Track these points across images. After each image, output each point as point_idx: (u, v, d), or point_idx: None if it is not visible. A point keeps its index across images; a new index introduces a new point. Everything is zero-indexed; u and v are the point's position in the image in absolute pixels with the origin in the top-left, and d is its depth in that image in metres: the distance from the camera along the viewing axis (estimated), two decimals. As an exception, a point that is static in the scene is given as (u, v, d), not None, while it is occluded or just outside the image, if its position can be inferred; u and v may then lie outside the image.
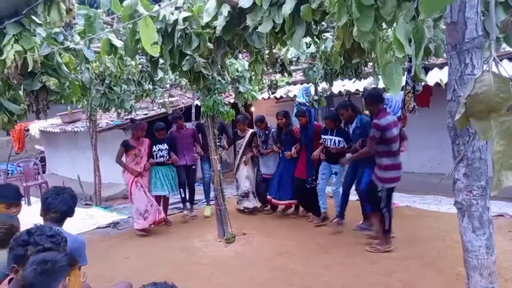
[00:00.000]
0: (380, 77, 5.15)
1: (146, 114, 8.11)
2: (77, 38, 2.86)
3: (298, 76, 7.54)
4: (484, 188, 1.57)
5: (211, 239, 4.85)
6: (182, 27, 2.74)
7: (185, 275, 3.83)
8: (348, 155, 4.83)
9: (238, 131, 6.03)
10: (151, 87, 5.76)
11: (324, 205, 5.13)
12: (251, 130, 5.97)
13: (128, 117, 6.66)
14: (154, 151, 5.51)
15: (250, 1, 2.41)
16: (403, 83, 4.27)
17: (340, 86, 6.92)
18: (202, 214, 6.10)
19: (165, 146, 5.57)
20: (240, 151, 5.95)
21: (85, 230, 5.76)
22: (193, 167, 6.00)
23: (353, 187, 4.69)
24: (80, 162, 9.08)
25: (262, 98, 7.82)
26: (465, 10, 1.48)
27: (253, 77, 5.62)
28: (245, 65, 5.32)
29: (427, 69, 5.73)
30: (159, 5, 2.78)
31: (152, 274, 3.93)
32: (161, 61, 3.56)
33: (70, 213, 2.39)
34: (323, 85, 6.52)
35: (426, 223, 4.78)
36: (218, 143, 4.82)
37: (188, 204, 6.08)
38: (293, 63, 5.28)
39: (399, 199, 5.68)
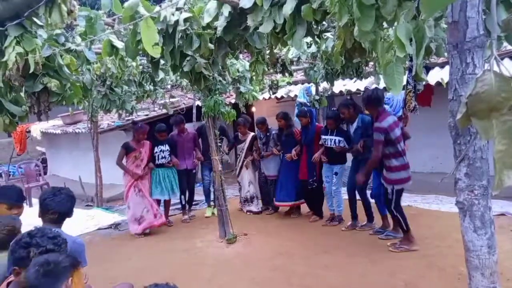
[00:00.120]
0: (381, 76, 5.13)
1: (147, 115, 8.12)
2: (78, 39, 2.86)
3: (299, 76, 7.54)
4: (486, 187, 1.56)
5: (212, 239, 4.85)
6: (183, 28, 2.74)
7: (186, 276, 3.83)
8: (350, 156, 4.83)
9: (239, 134, 6.04)
10: (152, 88, 5.77)
11: (339, 207, 5.09)
12: (251, 134, 5.99)
13: (129, 118, 6.67)
14: (156, 152, 5.51)
15: (251, 2, 2.41)
16: (404, 83, 4.27)
17: (341, 85, 6.92)
18: (201, 214, 6.12)
19: (167, 147, 5.57)
20: (242, 155, 5.97)
21: (87, 231, 5.78)
22: (194, 171, 6.04)
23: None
24: (81, 163, 9.09)
25: (263, 98, 7.82)
26: (466, 9, 1.48)
27: (254, 77, 5.62)
28: (246, 66, 5.32)
29: (428, 68, 5.71)
30: (160, 6, 2.78)
31: (154, 275, 3.94)
32: (162, 62, 3.56)
33: (68, 213, 2.36)
34: (324, 84, 6.52)
35: (428, 223, 4.77)
36: (219, 144, 4.83)
37: (187, 206, 6.10)
38: (294, 63, 5.28)
39: (400, 199, 5.67)
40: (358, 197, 4.80)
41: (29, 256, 1.62)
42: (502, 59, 1.00)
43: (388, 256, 3.91)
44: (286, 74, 5.38)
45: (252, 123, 6.55)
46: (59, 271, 1.47)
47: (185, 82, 6.05)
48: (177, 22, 2.72)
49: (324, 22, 2.71)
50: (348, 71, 5.26)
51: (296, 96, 7.35)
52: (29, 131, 10.65)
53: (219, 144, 4.83)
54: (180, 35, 2.78)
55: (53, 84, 2.58)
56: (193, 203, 6.33)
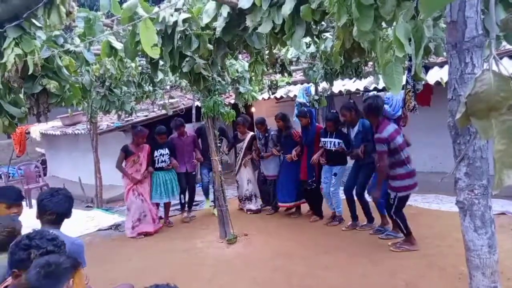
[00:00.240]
0: (380, 76, 5.14)
1: (146, 116, 8.11)
2: (77, 40, 2.86)
3: (298, 76, 7.54)
4: (486, 187, 1.56)
5: (212, 240, 4.85)
6: (182, 28, 2.74)
7: (187, 276, 3.83)
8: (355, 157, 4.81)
9: (238, 133, 6.06)
10: (151, 88, 5.77)
11: (338, 208, 5.10)
12: (251, 133, 6.01)
13: (129, 119, 6.68)
14: (156, 156, 5.51)
15: (250, 2, 2.40)
16: (404, 82, 4.26)
17: (340, 85, 6.92)
18: (201, 215, 6.12)
19: (166, 150, 5.58)
20: (241, 154, 6.00)
21: (87, 232, 5.77)
22: (193, 173, 6.07)
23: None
24: (81, 164, 9.09)
25: (263, 98, 7.82)
26: (465, 9, 1.48)
27: (253, 77, 5.62)
28: (245, 66, 5.32)
29: (427, 68, 5.72)
30: (159, 7, 2.78)
31: (154, 275, 3.93)
32: (161, 62, 3.55)
33: (66, 214, 2.35)
34: (323, 85, 6.52)
35: (428, 222, 4.78)
36: (218, 144, 4.83)
37: (186, 207, 6.13)
38: (293, 63, 5.27)
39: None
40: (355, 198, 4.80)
41: (29, 258, 1.62)
42: (501, 58, 1.00)
43: (388, 256, 3.91)
44: (286, 74, 5.37)
45: (251, 122, 6.57)
46: (60, 272, 1.47)
47: (184, 82, 6.05)
48: (176, 23, 2.72)
49: (323, 22, 2.71)
50: (347, 71, 5.26)
51: (295, 96, 7.35)
52: (29, 133, 10.64)
53: (218, 144, 4.83)
54: (179, 36, 2.77)
55: (52, 85, 2.58)
56: (193, 203, 6.34)
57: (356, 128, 4.69)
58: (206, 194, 6.33)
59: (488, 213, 1.58)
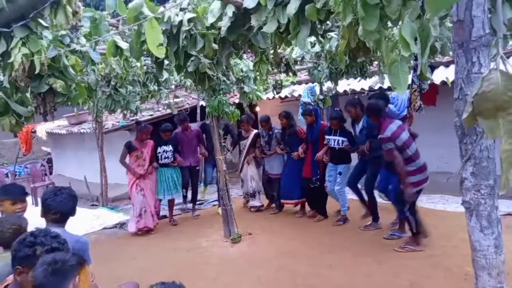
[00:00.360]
0: (385, 76, 5.12)
1: (151, 115, 8.15)
2: (83, 40, 2.88)
3: (303, 75, 7.53)
4: (492, 187, 1.55)
5: (217, 239, 4.86)
6: (187, 28, 2.74)
7: (191, 275, 3.84)
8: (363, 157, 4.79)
9: (242, 131, 6.08)
10: (156, 88, 5.79)
11: (343, 207, 5.08)
12: (254, 131, 6.03)
13: (134, 118, 6.71)
14: (159, 152, 5.55)
15: (255, 2, 2.41)
16: (409, 82, 4.24)
17: (345, 85, 6.90)
18: (206, 214, 6.15)
19: (170, 147, 5.61)
20: (244, 151, 6.03)
21: (92, 230, 5.81)
22: (197, 167, 6.09)
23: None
24: (86, 163, 9.14)
25: (267, 98, 7.82)
26: (471, 8, 1.47)
27: (258, 77, 5.62)
28: (249, 65, 5.32)
29: (433, 68, 5.68)
30: (164, 7, 2.79)
31: (159, 274, 3.95)
32: (166, 62, 3.57)
33: (71, 212, 2.35)
34: (328, 84, 6.51)
35: (433, 222, 4.74)
36: (223, 143, 4.84)
37: (190, 204, 6.18)
38: (298, 62, 5.27)
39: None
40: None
41: (35, 254, 1.62)
42: (508, 57, 0.99)
43: (393, 256, 3.89)
44: (290, 74, 5.38)
45: (256, 121, 6.58)
46: (66, 270, 1.48)
47: (189, 82, 6.07)
48: (181, 22, 2.72)
49: (328, 22, 2.70)
50: (352, 71, 5.25)
51: (300, 95, 7.34)
52: (35, 132, 10.73)
53: (223, 143, 4.85)
54: (184, 36, 2.78)
55: (58, 84, 2.60)
56: (198, 202, 6.37)
57: (360, 124, 4.68)
58: (205, 183, 6.54)
59: (494, 213, 1.57)
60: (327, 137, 5.03)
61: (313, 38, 4.23)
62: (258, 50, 3.50)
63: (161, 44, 2.26)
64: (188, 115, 6.59)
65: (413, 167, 3.84)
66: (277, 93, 7.35)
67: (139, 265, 4.30)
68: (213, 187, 6.73)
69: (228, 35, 2.79)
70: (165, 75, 4.82)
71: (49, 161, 11.59)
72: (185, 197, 6.15)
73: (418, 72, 4.05)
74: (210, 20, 2.77)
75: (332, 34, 3.64)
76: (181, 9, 2.77)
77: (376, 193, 4.71)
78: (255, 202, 6.03)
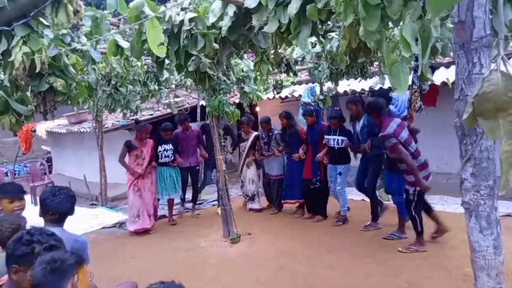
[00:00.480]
0: (386, 76, 5.13)
1: (151, 115, 8.15)
2: (83, 39, 2.88)
3: (304, 75, 7.53)
4: (492, 187, 1.55)
5: (216, 239, 4.86)
6: (188, 27, 2.74)
7: (190, 275, 3.84)
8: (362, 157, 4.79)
9: (242, 133, 6.09)
10: (156, 87, 5.79)
11: (343, 207, 5.09)
12: (254, 133, 6.05)
13: (134, 117, 6.72)
14: (160, 151, 5.55)
15: (256, 1, 2.41)
16: (410, 83, 4.24)
17: (345, 85, 6.90)
18: (206, 213, 6.14)
19: (170, 146, 5.61)
20: (244, 154, 6.04)
21: (91, 230, 5.81)
22: (197, 167, 6.09)
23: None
24: (86, 162, 9.14)
25: (267, 98, 7.82)
26: (473, 9, 1.47)
27: (258, 77, 5.62)
28: (250, 65, 5.32)
29: (433, 68, 5.68)
30: (165, 6, 2.79)
31: (158, 273, 3.95)
32: (166, 61, 3.57)
33: (69, 212, 2.36)
34: (328, 84, 6.51)
35: (432, 223, 4.74)
36: (223, 144, 4.84)
37: (189, 204, 6.18)
38: (299, 62, 5.27)
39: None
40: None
41: (33, 252, 1.62)
42: (509, 58, 1.00)
43: (392, 257, 3.89)
44: (291, 74, 5.38)
45: (256, 122, 6.58)
46: (65, 269, 1.47)
47: (189, 81, 6.06)
48: (182, 22, 2.73)
49: (329, 22, 2.71)
50: (353, 71, 5.25)
51: (300, 96, 7.34)
52: (35, 130, 10.72)
53: (223, 143, 4.85)
54: (185, 35, 2.78)
55: (59, 83, 2.60)
56: (198, 202, 6.37)
57: (361, 122, 4.68)
58: (203, 185, 6.54)
59: (494, 214, 1.57)
60: (326, 137, 5.03)
61: (313, 38, 4.22)
62: (258, 50, 3.50)
63: (162, 44, 2.26)
64: (189, 114, 6.60)
65: (416, 164, 3.84)
66: (278, 93, 7.34)
67: (137, 264, 4.30)
68: (213, 187, 6.73)
69: (229, 34, 2.79)
70: (166, 74, 4.82)
71: (49, 160, 11.58)
72: (183, 200, 6.14)
73: (419, 73, 4.05)
74: (211, 19, 2.77)
75: (333, 34, 3.63)
76: (182, 9, 2.77)
77: (377, 193, 4.73)
78: (254, 205, 6.04)
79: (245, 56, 5.45)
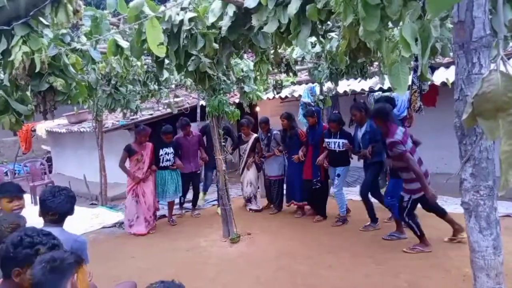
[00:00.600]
0: (386, 76, 5.13)
1: (151, 114, 8.15)
2: (83, 39, 2.87)
3: (303, 76, 7.53)
4: (491, 188, 1.55)
5: (216, 239, 4.86)
6: (188, 27, 2.74)
7: (190, 275, 3.84)
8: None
9: (242, 135, 6.10)
10: (156, 87, 5.79)
11: (342, 208, 5.09)
12: (254, 135, 6.06)
13: (134, 117, 6.72)
14: (161, 154, 5.54)
15: (256, 1, 2.41)
16: (409, 83, 4.24)
17: (345, 85, 6.91)
18: (206, 213, 6.15)
19: (171, 149, 5.61)
20: (244, 156, 6.06)
21: (91, 229, 5.81)
22: (198, 171, 6.13)
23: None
24: (86, 162, 9.14)
25: (267, 98, 7.82)
26: (472, 9, 1.47)
27: (258, 77, 5.62)
28: (250, 65, 5.32)
29: (433, 69, 5.70)
30: (165, 6, 2.79)
31: (158, 273, 3.95)
32: (166, 61, 3.57)
33: (68, 213, 2.37)
34: (328, 84, 6.51)
35: (432, 224, 4.73)
36: (223, 144, 4.84)
37: (188, 204, 6.20)
38: (298, 62, 5.27)
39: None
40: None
41: (37, 253, 1.61)
42: (508, 59, 1.00)
43: (392, 257, 3.89)
44: (291, 74, 5.38)
45: (255, 123, 6.59)
46: (64, 268, 1.47)
47: (189, 81, 6.07)
48: (182, 22, 2.73)
49: (328, 22, 2.70)
50: (352, 71, 5.25)
51: (300, 96, 7.35)
52: (35, 130, 10.72)
53: (223, 144, 4.85)
54: (185, 35, 2.78)
55: (58, 83, 2.60)
56: (196, 207, 6.38)
57: (363, 128, 4.68)
58: (205, 190, 6.50)
59: (493, 214, 1.57)
60: (327, 140, 5.04)
61: (313, 38, 4.22)
62: (258, 50, 3.50)
63: (162, 43, 2.27)
64: (188, 114, 6.61)
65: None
66: (277, 93, 7.35)
67: (137, 264, 4.30)
68: (213, 186, 6.73)
69: (229, 34, 2.79)
70: (166, 74, 4.82)
71: (49, 159, 11.58)
72: (181, 203, 6.16)
73: (419, 73, 4.06)
74: (211, 19, 2.77)
75: (332, 34, 3.63)
76: (182, 9, 2.77)
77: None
78: (252, 207, 6.09)
79: (245, 56, 5.46)
